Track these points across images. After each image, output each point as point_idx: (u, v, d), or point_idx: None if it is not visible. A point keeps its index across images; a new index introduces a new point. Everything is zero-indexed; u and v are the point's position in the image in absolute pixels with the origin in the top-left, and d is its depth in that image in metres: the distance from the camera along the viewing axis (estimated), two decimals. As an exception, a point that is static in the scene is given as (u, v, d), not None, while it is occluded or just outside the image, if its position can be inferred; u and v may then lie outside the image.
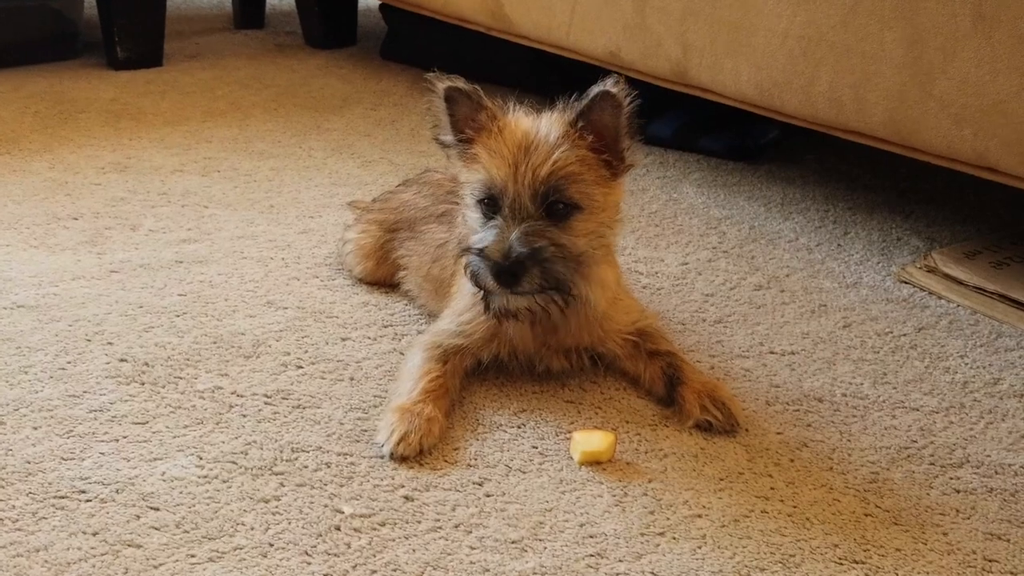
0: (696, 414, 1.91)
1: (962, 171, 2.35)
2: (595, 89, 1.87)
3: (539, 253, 1.83)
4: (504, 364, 2.02)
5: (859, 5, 2.39)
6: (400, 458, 1.77)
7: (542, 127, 1.88)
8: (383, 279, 2.36)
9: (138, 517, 1.60)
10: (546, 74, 3.78)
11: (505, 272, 1.82)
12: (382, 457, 1.78)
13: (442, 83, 1.92)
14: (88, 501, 1.63)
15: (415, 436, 1.79)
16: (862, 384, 2.09)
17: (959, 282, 2.45)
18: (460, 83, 1.92)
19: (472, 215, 1.94)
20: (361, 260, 2.37)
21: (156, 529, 1.58)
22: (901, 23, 2.31)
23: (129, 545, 1.54)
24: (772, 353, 2.19)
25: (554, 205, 1.86)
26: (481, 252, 1.84)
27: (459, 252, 1.97)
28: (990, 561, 1.62)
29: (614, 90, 1.85)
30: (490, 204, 1.89)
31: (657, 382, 1.99)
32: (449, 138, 1.95)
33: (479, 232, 1.89)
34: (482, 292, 1.90)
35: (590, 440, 1.82)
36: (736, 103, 2.80)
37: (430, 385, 1.90)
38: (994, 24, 2.16)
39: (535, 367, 2.03)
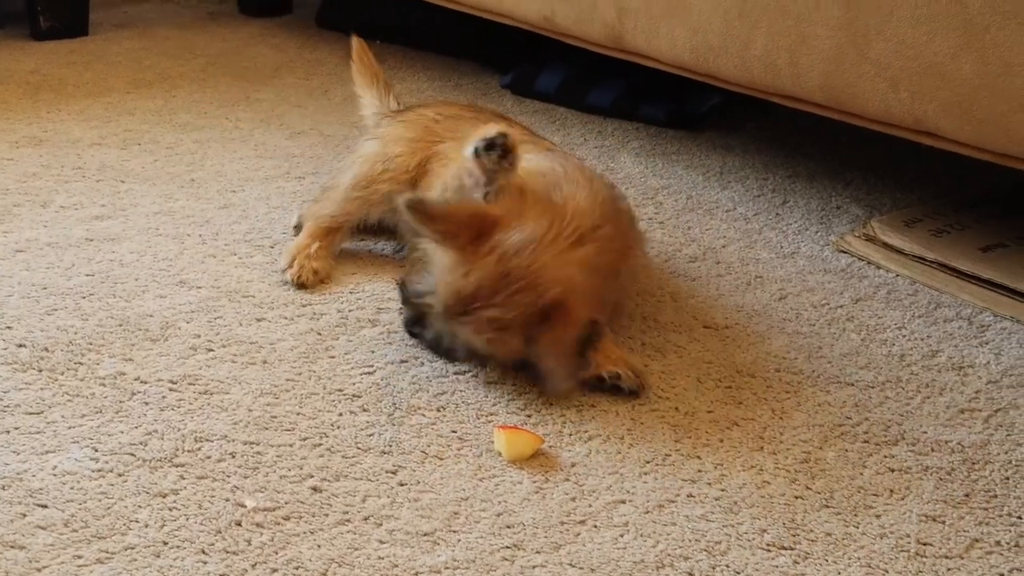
0: (608, 367, 1.84)
1: (901, 136, 2.27)
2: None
3: None
4: None
5: (794, -35, 2.30)
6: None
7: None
8: None
9: (24, 515, 1.50)
10: (489, 42, 3.68)
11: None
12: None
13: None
14: (-27, 499, 1.53)
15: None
16: (796, 359, 2.01)
17: (898, 251, 2.38)
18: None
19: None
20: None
21: (42, 528, 1.48)
22: (837, -17, 2.23)
23: (11, 547, 1.44)
24: (705, 327, 2.11)
25: None
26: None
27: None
28: (924, 544, 1.55)
29: None
30: None
31: None
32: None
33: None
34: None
35: (517, 443, 1.70)
36: (673, 69, 2.70)
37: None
38: (931, -17, 2.08)
39: None
